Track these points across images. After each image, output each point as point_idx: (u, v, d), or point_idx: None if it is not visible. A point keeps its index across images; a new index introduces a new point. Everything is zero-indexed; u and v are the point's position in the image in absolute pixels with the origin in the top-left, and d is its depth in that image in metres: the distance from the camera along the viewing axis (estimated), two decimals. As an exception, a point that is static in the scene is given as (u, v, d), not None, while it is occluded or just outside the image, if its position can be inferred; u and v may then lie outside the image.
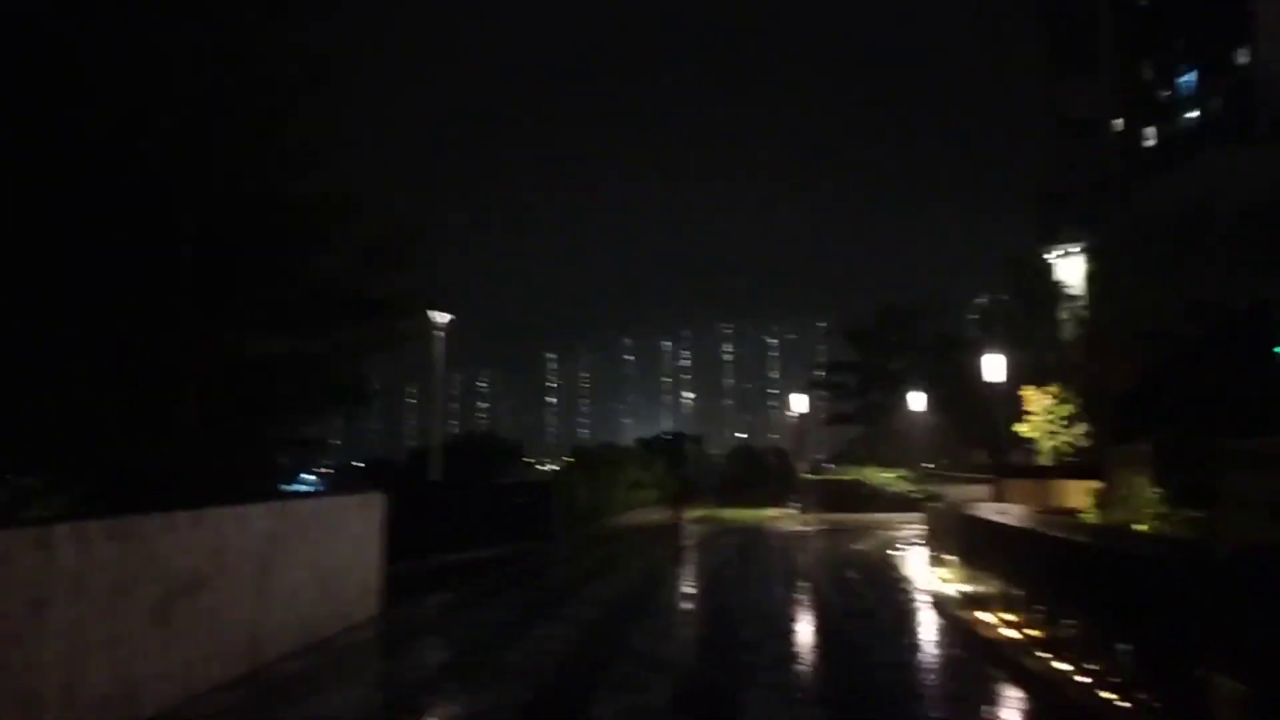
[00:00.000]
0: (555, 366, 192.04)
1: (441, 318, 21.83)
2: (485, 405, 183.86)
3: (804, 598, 11.99)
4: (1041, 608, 10.22)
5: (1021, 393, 20.96)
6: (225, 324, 9.10)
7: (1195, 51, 58.04)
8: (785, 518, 29.81)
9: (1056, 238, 53.59)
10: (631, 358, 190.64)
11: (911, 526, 23.76)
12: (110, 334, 8.45)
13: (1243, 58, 55.64)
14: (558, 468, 40.05)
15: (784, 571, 15.07)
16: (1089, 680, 7.14)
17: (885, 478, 32.05)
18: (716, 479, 50.38)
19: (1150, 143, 59.65)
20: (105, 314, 8.32)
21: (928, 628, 9.81)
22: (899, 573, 14.15)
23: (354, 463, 57.86)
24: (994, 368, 20.69)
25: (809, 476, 36.51)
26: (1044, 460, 20.49)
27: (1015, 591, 10.87)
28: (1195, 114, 58.47)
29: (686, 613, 10.95)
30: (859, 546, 18.93)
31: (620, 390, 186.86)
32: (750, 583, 13.69)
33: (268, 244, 9.28)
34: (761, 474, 54.32)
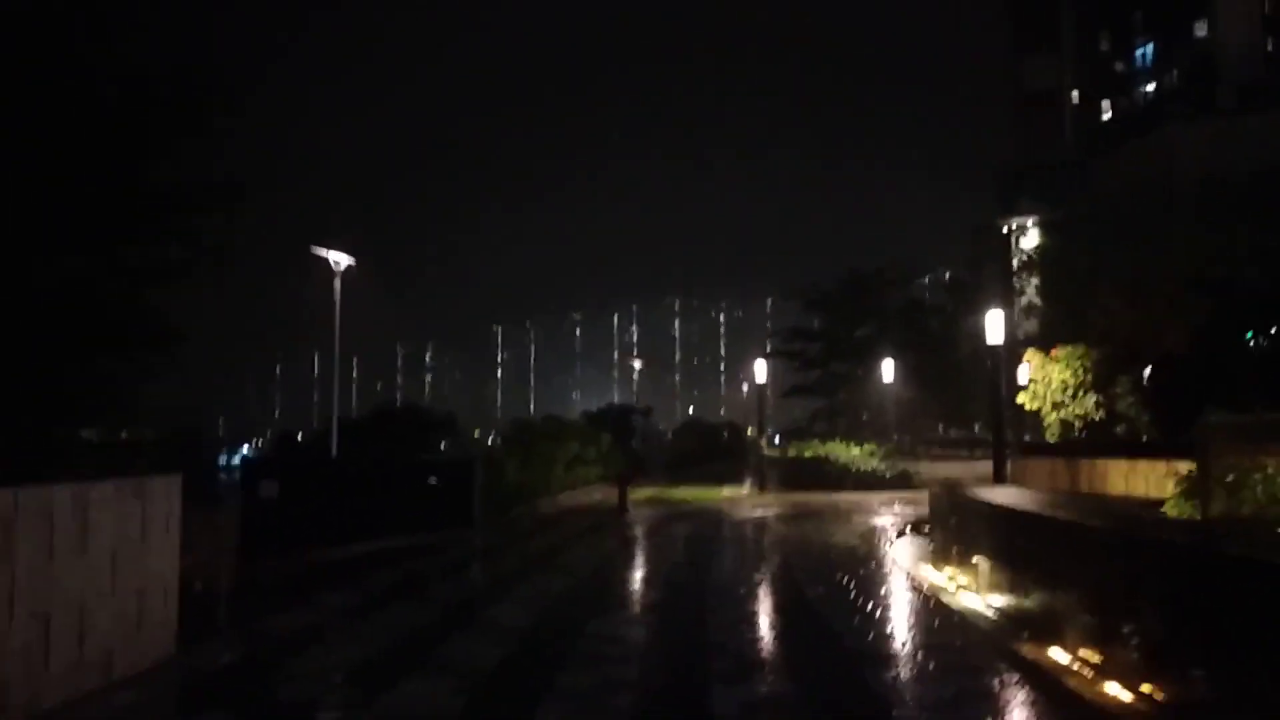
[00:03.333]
0: (502, 340, 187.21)
1: (341, 259, 18.23)
2: (429, 379, 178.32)
3: (791, 627, 8.75)
4: (1138, 643, 7.15)
5: (1027, 359, 18.04)
6: None
7: (1155, 25, 57.65)
8: (744, 499, 26.74)
9: (1018, 209, 51.99)
10: (579, 332, 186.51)
11: (890, 509, 20.82)
12: None
13: (1201, 31, 55.10)
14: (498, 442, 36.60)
15: (754, 578, 11.84)
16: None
17: (853, 454, 29.13)
18: (667, 454, 47.79)
19: (1109, 115, 59.23)
20: None
21: (984, 677, 6.62)
22: (908, 578, 11.02)
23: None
24: (995, 328, 17.62)
25: (770, 453, 33.53)
26: (1050, 436, 17.60)
27: (1094, 619, 7.78)
28: (1153, 87, 58.22)
29: (626, 655, 7.61)
30: (839, 538, 15.81)
31: (569, 363, 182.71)
32: (713, 596, 10.37)
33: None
34: (715, 449, 51.52)
